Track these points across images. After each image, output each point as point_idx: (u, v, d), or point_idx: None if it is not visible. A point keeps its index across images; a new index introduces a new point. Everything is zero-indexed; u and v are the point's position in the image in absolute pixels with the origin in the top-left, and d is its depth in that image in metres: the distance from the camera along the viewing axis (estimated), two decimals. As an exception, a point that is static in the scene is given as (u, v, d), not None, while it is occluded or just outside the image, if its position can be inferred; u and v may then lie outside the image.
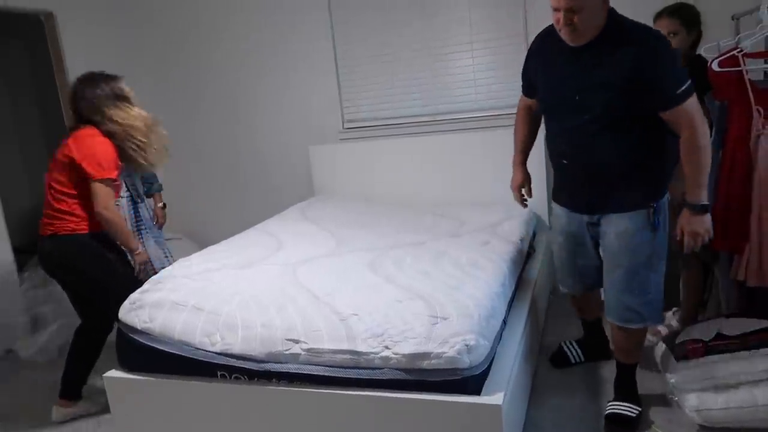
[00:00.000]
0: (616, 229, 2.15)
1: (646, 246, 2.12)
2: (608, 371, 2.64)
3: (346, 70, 4.09)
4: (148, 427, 2.22)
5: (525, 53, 3.58)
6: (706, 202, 2.01)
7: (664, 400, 2.36)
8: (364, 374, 1.88)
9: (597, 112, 2.03)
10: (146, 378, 2.17)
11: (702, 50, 2.60)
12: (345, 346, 1.91)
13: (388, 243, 2.84)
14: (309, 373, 1.93)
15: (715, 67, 2.39)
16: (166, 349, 2.13)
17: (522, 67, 2.49)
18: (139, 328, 2.20)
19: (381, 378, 1.86)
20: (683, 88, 1.93)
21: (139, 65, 4.53)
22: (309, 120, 4.21)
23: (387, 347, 1.87)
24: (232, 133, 4.46)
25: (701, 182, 2.00)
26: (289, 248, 2.82)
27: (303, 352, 1.95)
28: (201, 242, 4.59)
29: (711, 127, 2.53)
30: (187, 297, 2.24)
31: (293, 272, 2.45)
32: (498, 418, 1.72)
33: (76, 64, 4.22)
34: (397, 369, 1.84)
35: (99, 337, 2.70)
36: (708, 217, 2.03)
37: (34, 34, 4.63)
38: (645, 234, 2.11)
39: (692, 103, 1.95)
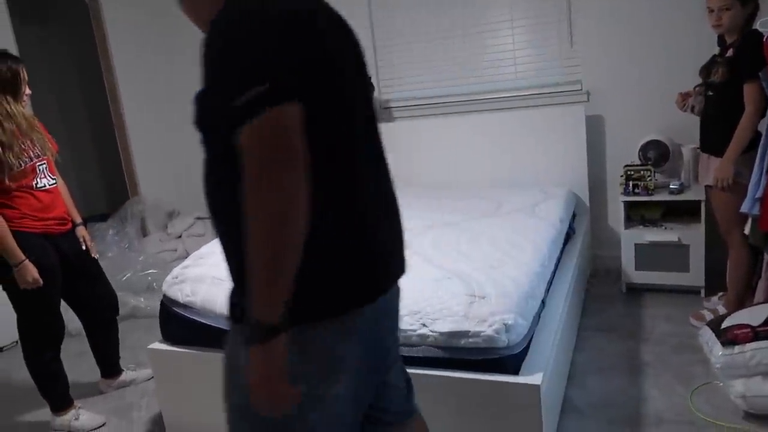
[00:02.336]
0: None
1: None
2: (648, 353, 2.59)
3: (383, 49, 4.06)
4: (189, 397, 2.28)
5: (568, 31, 3.54)
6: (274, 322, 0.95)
7: (709, 386, 2.30)
8: (400, 351, 1.88)
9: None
10: (188, 351, 2.23)
11: (758, 24, 2.48)
12: (382, 323, 1.92)
13: (425, 223, 2.83)
14: (346, 348, 1.95)
15: (770, 41, 2.29)
16: (208, 323, 2.18)
17: None
18: (181, 301, 2.26)
19: (417, 355, 1.86)
20: (248, 98, 0.90)
21: (180, 48, 4.60)
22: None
23: (424, 325, 1.87)
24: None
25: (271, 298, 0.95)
26: (326, 227, 2.84)
27: (341, 328, 1.97)
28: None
29: (766, 107, 2.43)
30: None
31: (331, 250, 2.47)
32: (536, 397, 1.70)
33: (119, 48, 4.31)
34: (434, 347, 1.84)
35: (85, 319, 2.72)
36: (278, 354, 0.96)
37: (78, 18, 4.74)
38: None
39: (258, 132, 0.90)
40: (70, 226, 2.54)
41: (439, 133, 3.84)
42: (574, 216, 3.26)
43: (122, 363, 2.86)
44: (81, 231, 2.60)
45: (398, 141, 3.96)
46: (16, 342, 3.30)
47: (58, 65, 5.77)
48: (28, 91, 2.37)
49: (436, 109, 3.96)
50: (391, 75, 4.09)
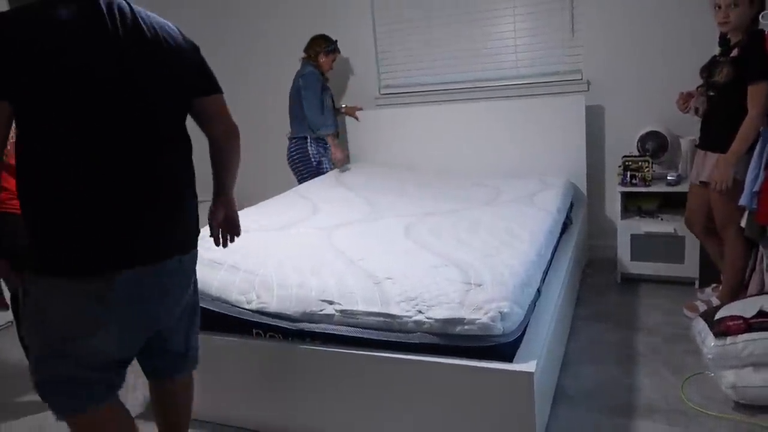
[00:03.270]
0: None
1: None
2: (642, 343, 2.61)
3: (383, 35, 4.04)
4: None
5: (570, 19, 3.52)
6: None
7: (700, 377, 2.33)
8: (396, 337, 1.90)
9: None
10: (184, 333, 2.23)
11: (761, 17, 2.46)
12: (378, 309, 1.93)
13: (423, 210, 2.83)
14: (342, 334, 1.96)
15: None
16: (203, 306, 2.16)
17: None
18: (178, 284, 2.26)
19: (413, 342, 1.87)
20: None
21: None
22: (345, 85, 4.18)
23: (420, 311, 1.88)
24: (265, 96, 4.45)
25: None
26: (324, 213, 2.84)
27: (337, 314, 1.98)
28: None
29: None
30: (224, 256, 2.28)
31: (328, 236, 2.47)
32: (530, 385, 1.72)
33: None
34: (429, 333, 1.85)
35: None
36: None
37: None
38: None
39: None
40: None
41: (439, 120, 3.83)
42: (571, 206, 3.27)
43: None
44: None
45: (398, 127, 3.96)
46: (11, 322, 3.31)
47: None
48: None
49: (436, 96, 3.95)
50: (392, 61, 4.06)
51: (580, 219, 3.26)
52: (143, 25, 1.44)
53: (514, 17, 3.67)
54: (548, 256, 2.45)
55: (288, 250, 2.32)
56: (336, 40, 3.86)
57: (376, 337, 1.92)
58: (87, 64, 1.33)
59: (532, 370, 1.72)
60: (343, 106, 4.04)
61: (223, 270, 2.22)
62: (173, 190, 1.52)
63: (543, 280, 2.31)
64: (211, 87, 1.62)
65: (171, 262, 1.53)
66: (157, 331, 1.63)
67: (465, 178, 3.50)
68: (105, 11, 1.38)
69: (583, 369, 2.46)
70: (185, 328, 1.73)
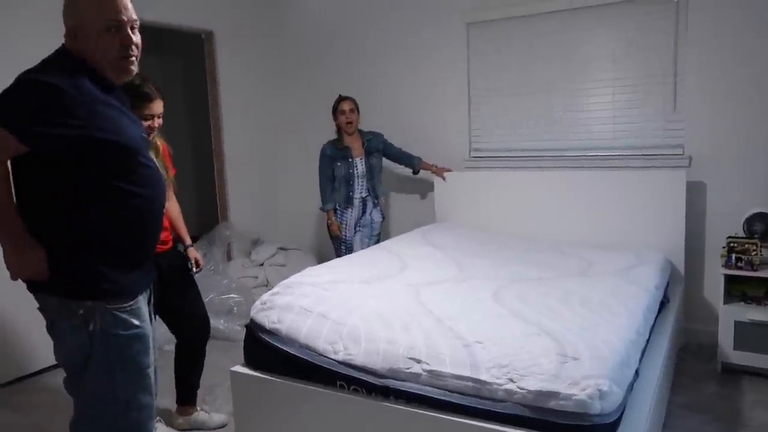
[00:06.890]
0: None
1: None
2: (749, 445, 2.39)
3: (478, 98, 4.11)
4: (264, 423, 2.29)
5: (672, 93, 3.45)
6: None
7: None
8: (484, 405, 1.82)
9: None
10: (269, 377, 2.25)
11: None
12: (467, 373, 1.87)
13: (512, 275, 2.77)
14: (428, 395, 1.91)
15: None
16: (291, 351, 2.20)
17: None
18: (267, 327, 2.30)
19: (502, 411, 1.79)
20: None
21: (284, 86, 4.85)
22: (436, 146, 4.24)
23: (512, 380, 1.81)
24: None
25: None
26: (412, 270, 2.84)
27: (424, 373, 1.94)
28: (319, 255, 4.76)
29: None
30: (314, 304, 2.31)
31: (417, 293, 2.46)
32: (629, 473, 1.60)
33: (227, 81, 4.59)
34: (521, 405, 1.77)
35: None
36: None
37: (193, 51, 5.11)
38: None
39: None
40: (170, 245, 2.62)
41: (529, 186, 3.79)
42: (667, 285, 3.10)
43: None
44: (192, 252, 2.73)
45: (486, 191, 3.95)
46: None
47: (171, 93, 6.20)
48: (159, 120, 2.57)
49: (527, 162, 3.94)
50: (485, 125, 4.11)
51: (677, 300, 3.08)
52: None
53: (613, 88, 3.64)
54: (647, 336, 2.31)
55: (376, 303, 2.32)
56: (339, 95, 3.85)
57: (463, 402, 1.85)
58: None
59: (634, 458, 1.60)
60: (434, 166, 4.07)
61: (312, 318, 2.25)
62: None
63: (640, 361, 2.17)
64: None
65: None
66: None
67: (554, 247, 3.41)
68: None
69: (681, 463, 2.26)
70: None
